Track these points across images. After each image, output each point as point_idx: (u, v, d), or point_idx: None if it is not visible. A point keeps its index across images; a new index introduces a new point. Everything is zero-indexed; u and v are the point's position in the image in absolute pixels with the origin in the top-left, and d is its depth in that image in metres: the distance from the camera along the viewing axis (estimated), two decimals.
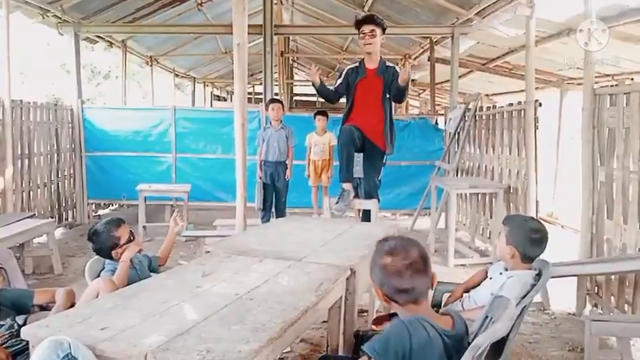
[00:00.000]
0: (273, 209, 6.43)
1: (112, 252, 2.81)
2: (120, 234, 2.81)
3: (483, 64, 9.33)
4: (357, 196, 4.47)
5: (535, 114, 5.36)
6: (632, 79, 7.02)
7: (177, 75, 15.30)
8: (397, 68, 4.38)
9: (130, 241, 2.84)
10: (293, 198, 7.33)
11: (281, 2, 12.04)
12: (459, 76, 8.61)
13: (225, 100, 22.37)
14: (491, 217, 6.58)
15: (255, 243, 2.85)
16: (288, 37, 13.12)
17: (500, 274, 2.51)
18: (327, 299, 2.14)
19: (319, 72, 4.42)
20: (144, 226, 7.03)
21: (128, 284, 2.62)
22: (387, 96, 4.31)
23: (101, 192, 8.43)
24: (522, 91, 10.38)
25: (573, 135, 9.13)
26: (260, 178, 6.25)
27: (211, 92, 20.41)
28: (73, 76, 8.17)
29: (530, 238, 2.40)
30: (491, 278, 2.58)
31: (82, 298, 2.49)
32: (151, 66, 12.32)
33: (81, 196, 8.23)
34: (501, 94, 11.24)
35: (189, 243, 6.57)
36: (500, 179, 6.32)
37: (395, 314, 2.60)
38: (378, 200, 4.36)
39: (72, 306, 2.55)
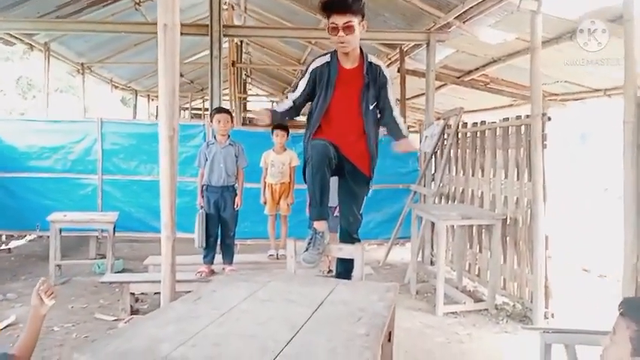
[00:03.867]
0: (219, 244, 5.11)
1: None
2: None
3: (458, 77, 8.44)
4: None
5: (543, 130, 4.38)
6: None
7: (115, 86, 13.78)
8: (384, 71, 3.19)
9: None
10: (245, 227, 6.27)
11: (232, 7, 10.92)
12: None
13: None
14: (480, 250, 5.58)
15: (172, 339, 1.62)
16: (241, 47, 11.94)
17: None
18: None
19: (267, 112, 3.17)
20: (58, 265, 5.81)
21: None
22: (371, 107, 3.10)
23: (10, 221, 7.02)
24: (496, 108, 9.76)
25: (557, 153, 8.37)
26: (201, 207, 4.92)
27: (157, 107, 18.88)
28: None
29: None
30: None
31: None
32: (83, 74, 10.84)
33: None
34: (473, 111, 10.39)
35: (115, 287, 5.27)
36: (493, 207, 5.33)
37: None
38: (359, 241, 3.20)
39: None
